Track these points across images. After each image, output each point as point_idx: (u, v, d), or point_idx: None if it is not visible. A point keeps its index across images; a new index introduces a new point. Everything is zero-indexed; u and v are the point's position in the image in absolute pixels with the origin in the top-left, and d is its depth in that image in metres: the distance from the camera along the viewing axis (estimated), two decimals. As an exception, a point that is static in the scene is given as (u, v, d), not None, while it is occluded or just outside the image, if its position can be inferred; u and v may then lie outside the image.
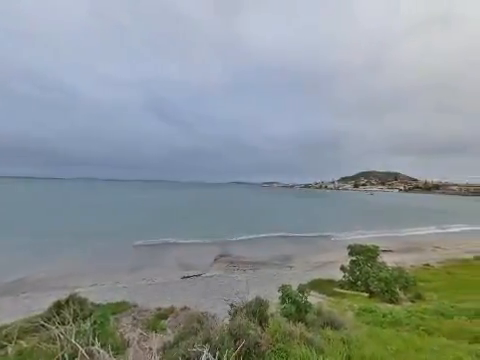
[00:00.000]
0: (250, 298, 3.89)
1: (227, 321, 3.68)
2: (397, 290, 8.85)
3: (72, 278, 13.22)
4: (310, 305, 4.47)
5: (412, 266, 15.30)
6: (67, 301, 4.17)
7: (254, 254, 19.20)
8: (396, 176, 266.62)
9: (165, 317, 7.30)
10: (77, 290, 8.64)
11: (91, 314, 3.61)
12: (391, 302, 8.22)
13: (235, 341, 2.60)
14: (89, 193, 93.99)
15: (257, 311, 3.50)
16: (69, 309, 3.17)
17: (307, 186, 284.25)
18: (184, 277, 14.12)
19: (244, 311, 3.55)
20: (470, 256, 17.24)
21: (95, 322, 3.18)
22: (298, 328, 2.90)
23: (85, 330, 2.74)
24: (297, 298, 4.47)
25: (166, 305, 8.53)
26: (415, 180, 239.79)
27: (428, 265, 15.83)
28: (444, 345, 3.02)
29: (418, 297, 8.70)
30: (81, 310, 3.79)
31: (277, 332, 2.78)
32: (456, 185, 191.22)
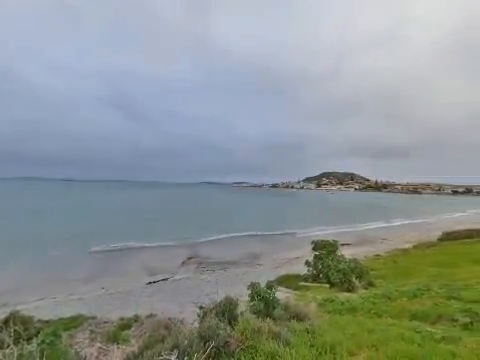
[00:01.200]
0: (220, 298, 3.88)
1: (196, 324, 3.61)
2: (353, 279, 9.79)
3: (15, 293, 11.41)
4: (278, 300, 4.65)
5: (365, 257, 17.07)
6: (6, 321, 3.58)
7: (223, 254, 19.20)
8: (352, 176, 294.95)
9: (128, 327, 6.80)
10: (20, 307, 7.48)
11: (38, 333, 3.16)
12: (348, 291, 9.05)
13: (205, 343, 2.57)
14: (31, 195, 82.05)
15: (227, 310, 3.51)
16: (9, 330, 2.72)
17: (275, 186, 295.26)
18: (150, 283, 13.38)
19: (214, 312, 3.52)
20: (409, 246, 19.99)
21: (43, 341, 2.79)
22: (266, 324, 3.00)
23: (30, 352, 2.38)
24: (265, 295, 4.61)
25: (130, 314, 7.97)
26: (368, 180, 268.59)
27: (378, 255, 17.87)
28: (390, 324, 3.45)
29: (370, 284, 9.76)
30: (25, 330, 3.29)
31: (246, 330, 2.83)
32: (399, 184, 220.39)
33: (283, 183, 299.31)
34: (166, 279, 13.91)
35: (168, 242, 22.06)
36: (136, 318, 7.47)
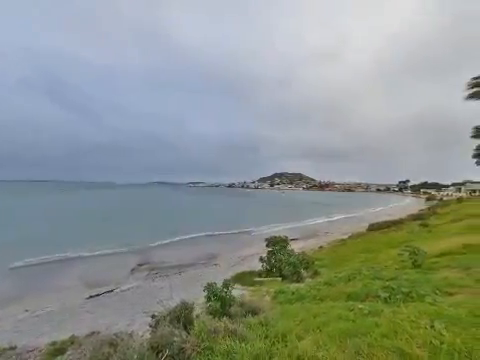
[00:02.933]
0: (174, 304, 3.70)
1: (148, 335, 3.36)
2: (301, 270, 10.74)
3: None
4: (234, 298, 4.73)
5: (311, 249, 18.98)
6: None
7: (179, 257, 18.44)
8: (301, 177, 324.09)
9: (62, 352, 5.84)
10: None
11: None
12: (297, 281, 9.88)
13: (158, 354, 2.41)
14: None
15: (182, 315, 3.38)
16: None
17: (231, 186, 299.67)
18: (91, 296, 11.79)
19: (168, 319, 3.35)
20: (346, 237, 23.15)
21: None
22: (222, 322, 3.01)
23: None
24: (222, 294, 4.64)
25: (65, 336, 6.85)
26: (313, 180, 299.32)
27: (321, 247, 20.10)
28: (330, 307, 3.92)
29: (315, 274, 10.89)
30: None
31: (202, 332, 2.78)
32: (338, 184, 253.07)
33: (239, 183, 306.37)
34: (111, 291, 12.50)
35: (114, 249, 19.87)
36: (73, 339, 6.49)
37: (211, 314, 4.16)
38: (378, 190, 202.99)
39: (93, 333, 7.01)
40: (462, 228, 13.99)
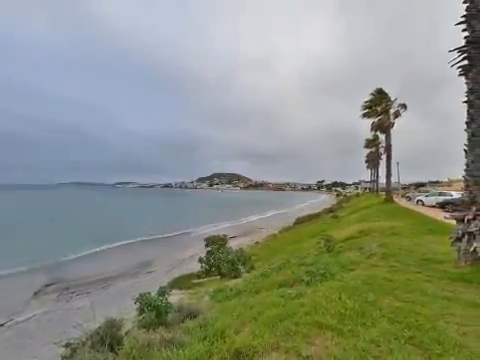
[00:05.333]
0: (97, 324, 3.18)
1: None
2: (239, 266, 11.24)
3: None
4: (171, 305, 4.48)
5: (248, 245, 20.12)
6: None
7: (103, 269, 15.91)
8: (238, 177, 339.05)
9: None
10: None
11: None
12: (236, 278, 10.29)
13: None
14: None
15: (107, 336, 2.94)
16: None
17: (168, 186, 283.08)
18: (-34, 339, 8.65)
19: (88, 344, 2.84)
20: (277, 231, 25.74)
21: None
22: (158, 333, 2.80)
23: None
24: (157, 303, 4.30)
25: None
26: (250, 180, 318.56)
27: (257, 242, 21.62)
28: (265, 296, 4.27)
29: (252, 268, 11.61)
30: None
31: (134, 349, 2.51)
32: (271, 183, 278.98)
33: (177, 183, 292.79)
34: (2, 325, 9.56)
35: (8, 270, 15.27)
36: None
37: (145, 327, 3.80)
38: (302, 189, 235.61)
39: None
40: (358, 218, 17.95)
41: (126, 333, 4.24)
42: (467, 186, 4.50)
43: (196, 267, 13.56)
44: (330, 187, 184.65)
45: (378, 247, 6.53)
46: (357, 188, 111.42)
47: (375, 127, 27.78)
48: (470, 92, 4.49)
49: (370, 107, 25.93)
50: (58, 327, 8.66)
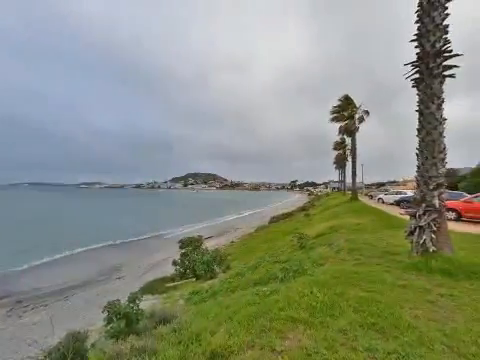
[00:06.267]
0: (58, 339, 2.89)
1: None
2: (215, 267, 11.15)
3: None
4: (142, 312, 4.26)
5: (224, 245, 20.08)
6: None
7: (63, 278, 14.48)
8: (214, 177, 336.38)
9: None
10: None
11: None
12: (211, 278, 10.18)
13: None
14: None
15: (70, 351, 2.69)
16: None
17: (139, 186, 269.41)
18: None
19: (46, 362, 2.56)
20: (253, 230, 26.13)
21: None
22: (128, 342, 2.64)
23: None
24: (127, 310, 4.06)
25: None
26: (226, 180, 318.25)
27: (233, 242, 21.68)
28: (241, 295, 4.30)
29: (228, 268, 11.60)
30: None
31: (101, 361, 2.33)
32: (246, 183, 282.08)
33: (149, 183, 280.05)
34: None
35: None
36: None
37: (113, 337, 3.56)
38: (277, 188, 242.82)
39: None
40: (328, 215, 19.10)
41: (92, 345, 3.92)
42: (418, 185, 5.08)
43: (170, 270, 13.11)
44: (302, 187, 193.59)
45: (345, 242, 7.03)
46: (327, 187, 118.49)
47: (342, 131, 29.88)
48: (420, 102, 5.08)
49: (338, 112, 27.79)
50: (8, 347, 7.65)
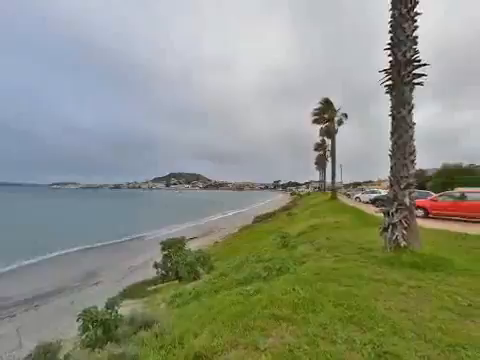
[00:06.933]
0: (26, 352, 2.67)
1: None
2: (198, 268, 11.00)
3: None
4: (121, 318, 4.08)
5: (208, 246, 19.88)
6: None
7: (32, 286, 13.42)
8: (198, 177, 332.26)
9: None
10: None
11: None
12: (195, 280, 10.03)
13: None
14: None
15: (40, 364, 2.50)
16: None
17: (118, 186, 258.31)
18: None
19: (13, 378, 2.36)
20: (237, 230, 26.20)
21: None
22: (105, 351, 2.52)
23: None
24: (105, 317, 3.86)
25: None
26: (210, 180, 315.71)
27: (217, 242, 21.55)
28: (225, 295, 4.29)
29: (211, 268, 11.50)
30: None
31: (76, 373, 2.19)
32: (230, 183, 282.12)
33: (129, 183, 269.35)
34: None
35: None
36: None
37: (90, 346, 3.37)
38: (261, 188, 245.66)
39: None
40: (309, 214, 19.72)
41: (65, 356, 3.69)
42: (391, 185, 5.43)
43: (152, 273, 12.71)
44: (285, 187, 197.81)
45: (325, 240, 7.30)
46: (308, 187, 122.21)
47: (323, 132, 31.04)
48: (393, 107, 5.43)
49: (319, 114, 28.83)
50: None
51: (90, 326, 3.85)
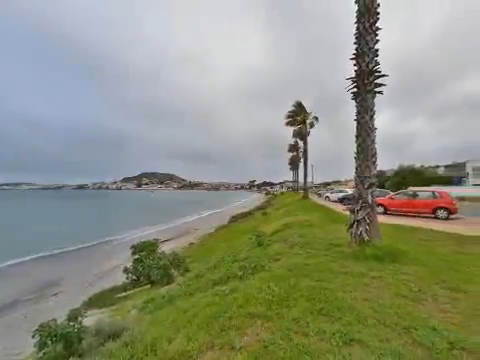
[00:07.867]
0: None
1: None
2: (172, 271, 10.64)
3: None
4: (85, 330, 3.76)
5: (182, 247, 19.35)
6: None
7: (-22, 301, 11.70)
8: (171, 177, 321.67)
9: None
10: None
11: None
12: (169, 283, 9.68)
13: None
14: None
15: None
16: None
17: (82, 187, 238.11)
18: None
19: None
20: (212, 230, 25.95)
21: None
22: (69, 367, 2.30)
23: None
24: (66, 330, 3.52)
25: None
26: (184, 180, 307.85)
27: (192, 243, 21.08)
28: (200, 297, 4.22)
29: (186, 270, 11.21)
30: None
31: (31, 396, 1.96)
32: (205, 183, 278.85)
33: (95, 183, 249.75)
34: None
35: None
36: None
37: (48, 364, 3.04)
38: (236, 188, 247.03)
39: None
40: (283, 213, 20.39)
41: (18, 379, 3.27)
42: (356, 185, 5.89)
43: (122, 279, 11.94)
44: (260, 186, 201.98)
45: (298, 237, 7.62)
46: (282, 187, 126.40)
47: (296, 134, 32.38)
48: (358, 113, 5.90)
49: (292, 117, 30.00)
50: None
51: (48, 342, 3.47)
